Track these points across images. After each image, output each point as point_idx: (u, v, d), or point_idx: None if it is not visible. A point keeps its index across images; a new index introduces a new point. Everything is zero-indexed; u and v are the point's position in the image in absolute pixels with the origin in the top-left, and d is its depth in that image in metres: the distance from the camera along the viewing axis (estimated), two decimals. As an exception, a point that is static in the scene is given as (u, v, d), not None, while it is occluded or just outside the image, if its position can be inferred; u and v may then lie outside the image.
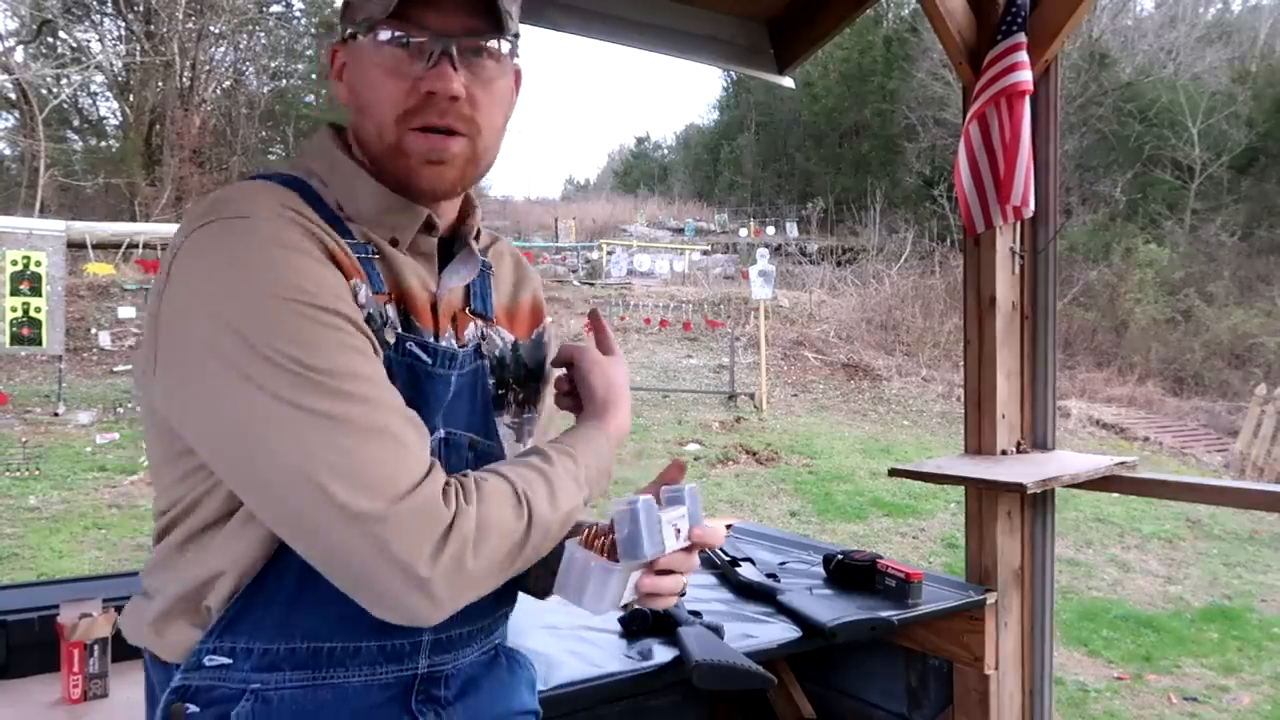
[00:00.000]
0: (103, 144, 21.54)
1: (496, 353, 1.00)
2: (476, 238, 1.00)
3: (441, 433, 0.91)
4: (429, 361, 0.89)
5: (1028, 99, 2.10)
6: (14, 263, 8.48)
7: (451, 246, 0.97)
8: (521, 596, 1.07)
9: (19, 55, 18.29)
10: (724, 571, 2.06)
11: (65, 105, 20.00)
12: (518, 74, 0.96)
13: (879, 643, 2.17)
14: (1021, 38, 2.08)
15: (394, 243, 0.90)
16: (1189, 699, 4.17)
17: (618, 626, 1.69)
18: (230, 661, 0.85)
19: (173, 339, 0.79)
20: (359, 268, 0.85)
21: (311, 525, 0.75)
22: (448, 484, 0.79)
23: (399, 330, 0.87)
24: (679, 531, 0.95)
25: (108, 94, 21.29)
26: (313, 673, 0.88)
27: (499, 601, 1.00)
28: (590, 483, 0.90)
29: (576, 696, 1.46)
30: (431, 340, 0.90)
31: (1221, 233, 19.34)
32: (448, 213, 0.96)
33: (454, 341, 0.93)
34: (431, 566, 0.75)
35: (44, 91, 18.17)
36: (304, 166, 0.91)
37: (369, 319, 0.83)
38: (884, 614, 1.81)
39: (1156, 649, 4.78)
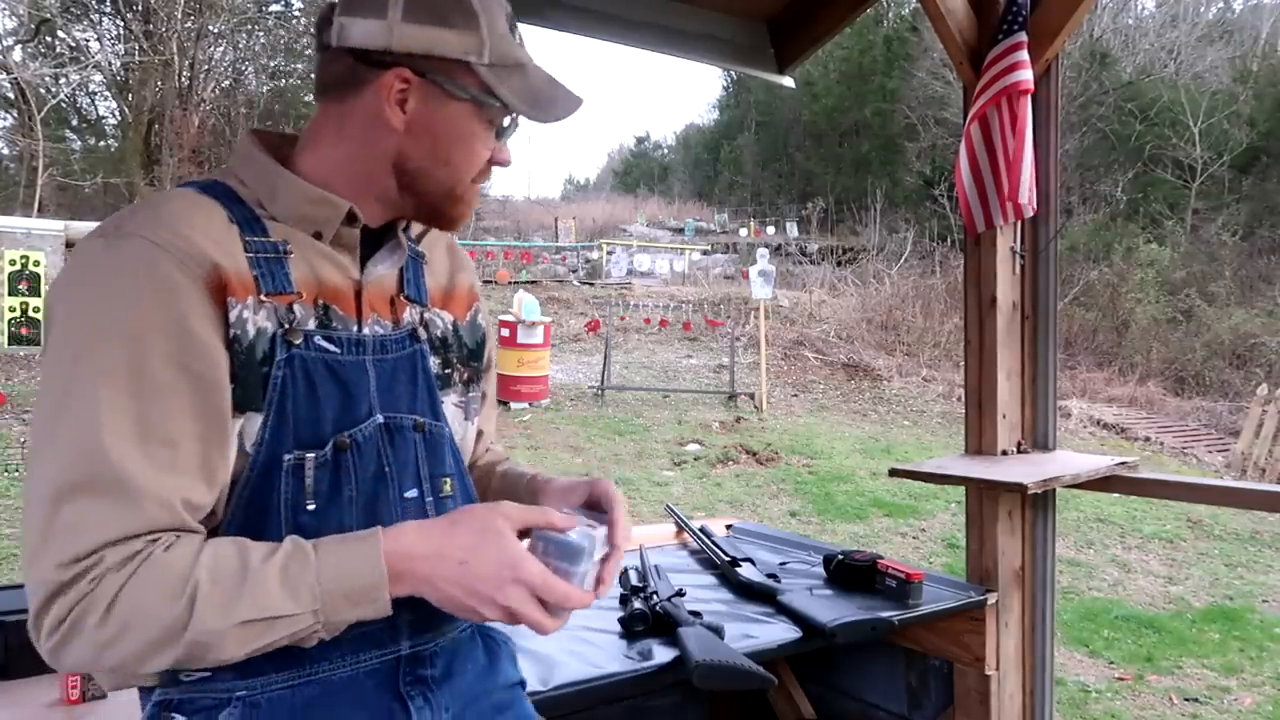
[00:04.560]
0: (101, 143, 21.55)
1: (439, 334, 1.03)
2: (406, 229, 1.02)
3: (380, 418, 0.92)
4: (337, 351, 0.91)
5: (1029, 98, 2.09)
6: (12, 262, 8.48)
7: (382, 237, 1.00)
8: None
9: (17, 54, 18.28)
10: (724, 572, 2.05)
11: (64, 105, 20.00)
12: None
13: (879, 643, 2.17)
14: (1022, 37, 2.08)
15: (318, 235, 0.93)
16: (1190, 700, 4.16)
17: (618, 627, 1.69)
18: (209, 673, 0.86)
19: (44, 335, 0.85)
20: (251, 282, 0.87)
21: (26, 516, 0.80)
22: (131, 558, 0.78)
23: (307, 327, 0.89)
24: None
25: (106, 93, 21.30)
26: (297, 671, 0.88)
27: None
28: (321, 599, 0.80)
29: (576, 697, 1.45)
30: (351, 330, 0.93)
31: (1223, 232, 19.34)
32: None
33: (384, 327, 0.96)
34: (40, 621, 0.78)
35: (42, 91, 18.16)
36: (230, 172, 0.95)
37: (248, 336, 0.85)
38: (884, 614, 1.80)
39: (1158, 649, 4.77)
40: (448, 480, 0.99)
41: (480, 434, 1.15)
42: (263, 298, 0.87)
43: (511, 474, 1.17)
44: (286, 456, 0.86)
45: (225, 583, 0.78)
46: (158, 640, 0.77)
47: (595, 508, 1.03)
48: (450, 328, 1.05)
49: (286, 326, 0.88)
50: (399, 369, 0.96)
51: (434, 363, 1.01)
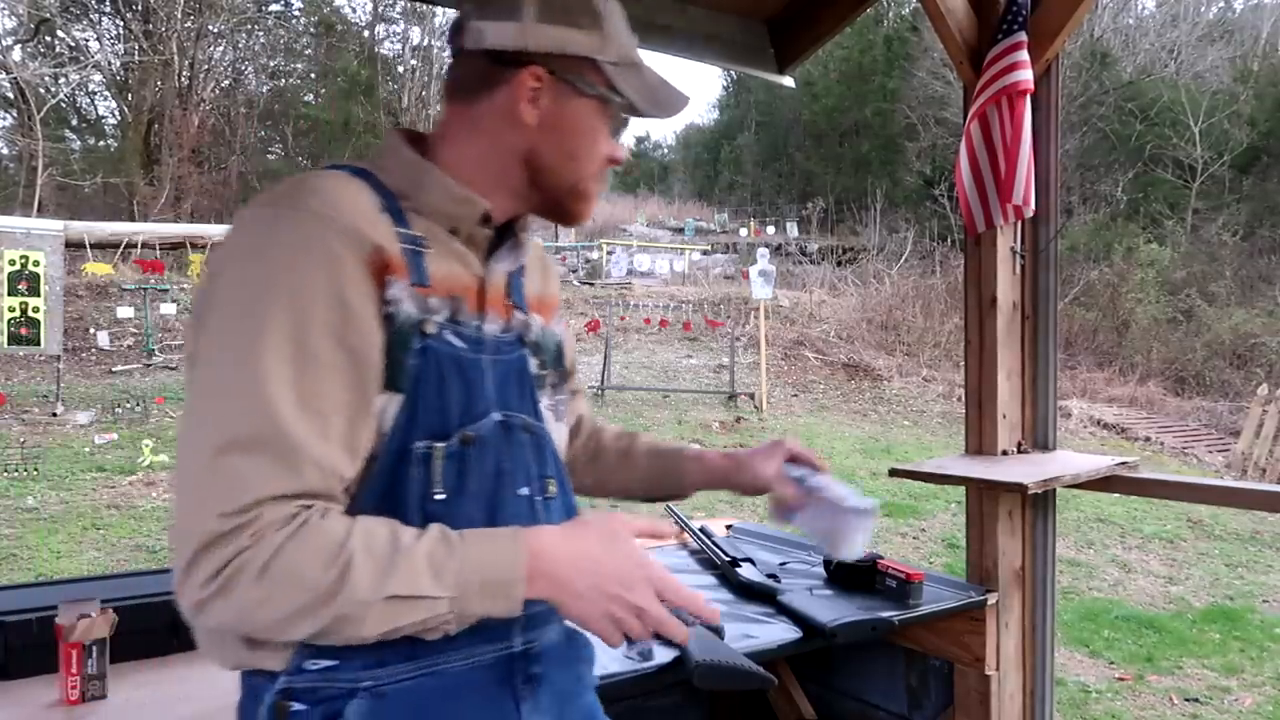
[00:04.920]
0: (101, 143, 21.55)
1: (535, 338, 1.06)
2: (524, 230, 1.07)
3: (497, 415, 0.95)
4: (464, 347, 0.94)
5: (1029, 98, 2.09)
6: (12, 262, 8.47)
7: (500, 236, 1.03)
8: None
9: (17, 54, 18.28)
10: (724, 572, 2.05)
11: (63, 104, 20.00)
12: None
13: (879, 643, 2.16)
14: (1022, 37, 2.07)
15: (454, 231, 0.97)
16: (1190, 700, 4.16)
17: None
18: (335, 663, 0.87)
19: (201, 301, 0.86)
20: (404, 268, 0.90)
21: (181, 470, 0.81)
22: (291, 518, 0.80)
23: (440, 319, 0.92)
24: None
25: (106, 93, 21.32)
26: (418, 663, 0.89)
27: None
28: (459, 588, 0.82)
29: (576, 698, 1.45)
30: (473, 328, 0.95)
31: (1223, 232, 19.33)
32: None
33: (498, 326, 0.99)
34: (192, 572, 0.78)
35: (42, 91, 18.15)
36: (373, 163, 0.98)
37: (400, 316, 0.88)
38: (884, 614, 1.80)
39: (1158, 650, 4.77)
40: (552, 482, 1.02)
41: (580, 417, 1.26)
42: (410, 285, 0.90)
43: (664, 450, 1.27)
44: (418, 444, 0.89)
45: (378, 556, 0.80)
46: (306, 607, 0.78)
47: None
48: (543, 332, 1.08)
49: (424, 317, 0.91)
50: (510, 370, 0.99)
51: (532, 364, 1.04)
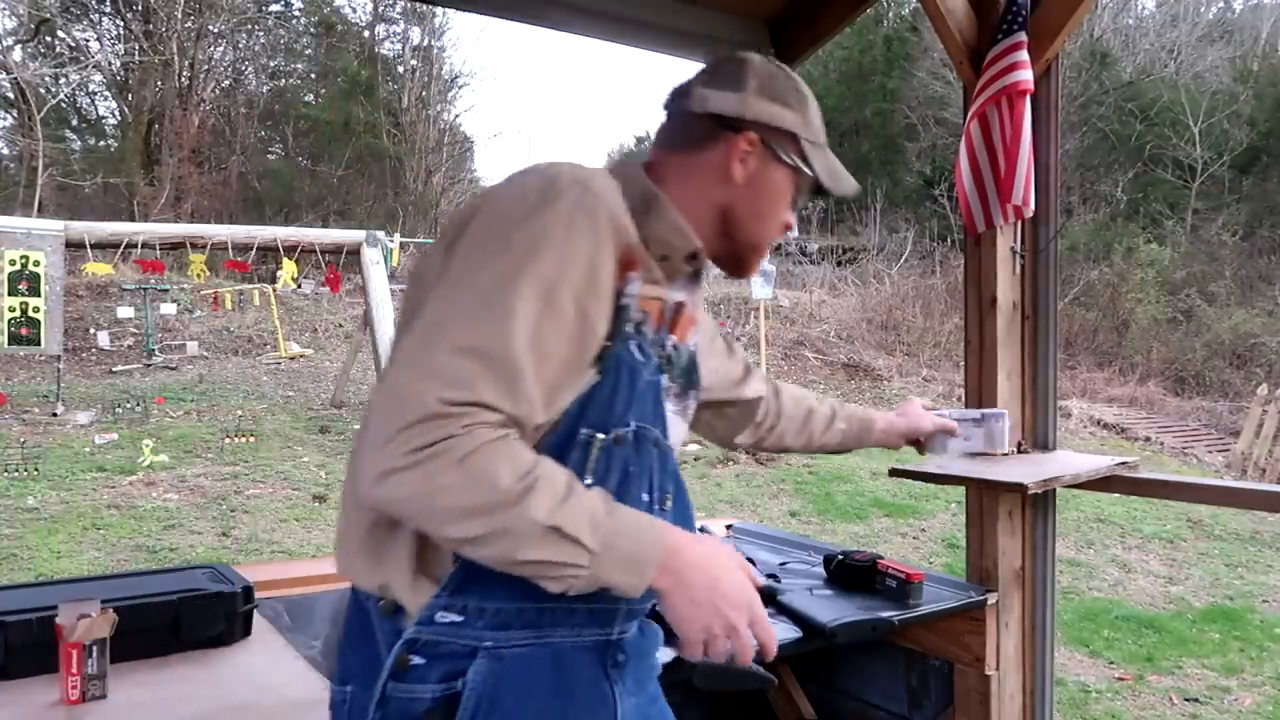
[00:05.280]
0: (101, 143, 21.54)
1: (669, 354, 1.14)
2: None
3: (633, 426, 1.02)
4: (643, 361, 1.03)
5: (1028, 98, 2.09)
6: (12, 262, 8.47)
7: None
8: None
9: (17, 54, 18.28)
10: (724, 572, 2.05)
11: (64, 105, 19.99)
12: None
13: (879, 643, 2.17)
14: (1022, 37, 2.07)
15: (663, 259, 1.07)
16: (1190, 700, 4.16)
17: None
18: (462, 619, 0.95)
19: (465, 224, 0.96)
20: (646, 261, 1.02)
21: (411, 351, 0.90)
22: (499, 426, 0.88)
23: (639, 327, 1.02)
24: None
25: (106, 93, 21.30)
26: (535, 631, 0.98)
27: None
28: (604, 549, 0.89)
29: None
30: (651, 342, 1.05)
31: (1223, 232, 19.33)
32: None
33: (661, 348, 1.08)
34: (404, 436, 0.85)
35: (42, 91, 18.15)
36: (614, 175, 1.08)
37: (626, 310, 0.99)
38: (884, 614, 1.80)
39: (1158, 650, 4.77)
40: (669, 496, 1.08)
41: (747, 367, 1.54)
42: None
43: (858, 417, 1.72)
44: (583, 430, 0.97)
45: (557, 489, 0.88)
46: (485, 506, 0.85)
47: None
48: (677, 350, 1.15)
49: (634, 320, 1.01)
50: (651, 387, 1.07)
51: (664, 379, 1.11)
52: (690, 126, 1.13)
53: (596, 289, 0.95)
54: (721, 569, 0.96)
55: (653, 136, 1.21)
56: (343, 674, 1.05)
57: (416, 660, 0.95)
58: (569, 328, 0.93)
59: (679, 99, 1.16)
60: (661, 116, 1.18)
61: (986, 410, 1.95)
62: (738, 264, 1.18)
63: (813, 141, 1.15)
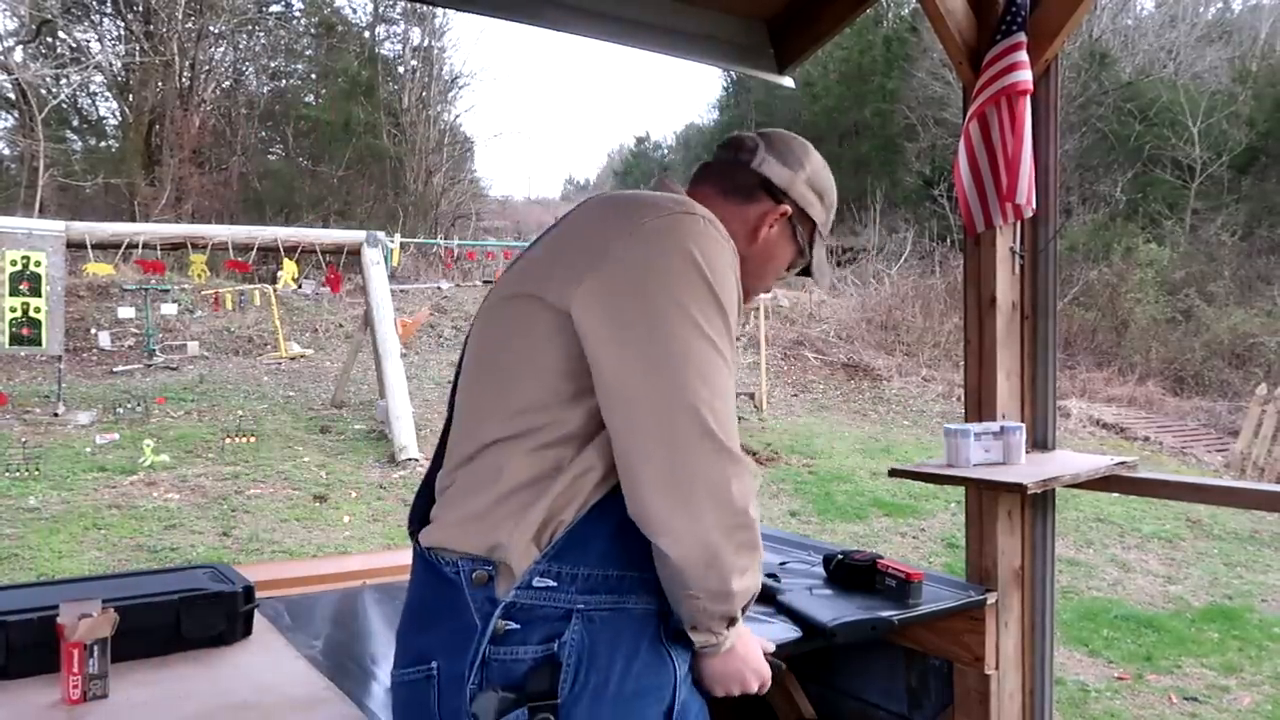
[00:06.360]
0: (102, 144, 21.53)
1: None
2: None
3: None
4: None
5: (1028, 98, 2.09)
6: (13, 263, 8.47)
7: None
8: None
9: (18, 55, 18.28)
10: (724, 571, 2.05)
11: (64, 105, 19.99)
12: None
13: (879, 643, 2.17)
14: (1021, 37, 2.08)
15: None
16: (1189, 699, 4.17)
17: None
18: (556, 584, 1.05)
19: (631, 283, 1.07)
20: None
21: (684, 440, 1.03)
22: None
23: None
24: None
25: (107, 94, 21.28)
26: (617, 596, 1.09)
27: None
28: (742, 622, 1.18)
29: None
30: None
31: (1222, 232, 19.32)
32: None
33: None
34: (750, 516, 1.05)
35: (43, 91, 18.16)
36: None
37: None
38: (884, 614, 1.81)
39: (1157, 649, 4.78)
40: None
41: None
42: None
43: None
44: None
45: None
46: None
47: None
48: None
49: None
50: None
51: None
52: (744, 178, 1.30)
53: (733, 325, 1.18)
54: (753, 650, 1.21)
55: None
56: (420, 652, 1.10)
57: (512, 626, 1.04)
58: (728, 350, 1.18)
59: (738, 151, 1.31)
60: (709, 155, 1.34)
61: (1005, 424, 2.10)
62: None
63: (822, 236, 1.36)
